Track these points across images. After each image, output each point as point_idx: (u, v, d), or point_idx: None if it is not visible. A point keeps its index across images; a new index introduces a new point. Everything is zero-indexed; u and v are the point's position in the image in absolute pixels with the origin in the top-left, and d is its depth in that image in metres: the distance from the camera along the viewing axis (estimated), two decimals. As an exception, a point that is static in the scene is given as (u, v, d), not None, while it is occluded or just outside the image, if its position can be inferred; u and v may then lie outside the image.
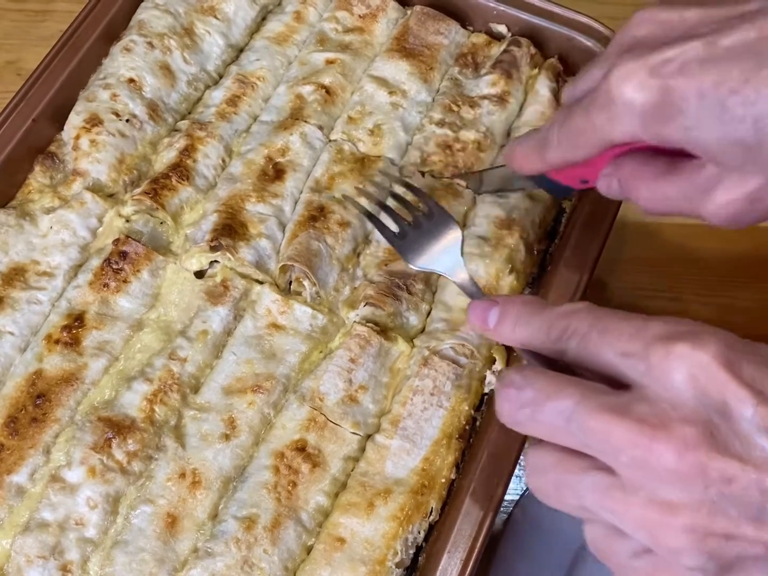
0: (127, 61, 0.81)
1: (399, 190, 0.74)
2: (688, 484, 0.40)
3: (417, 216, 0.69)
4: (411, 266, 0.66)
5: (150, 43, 0.82)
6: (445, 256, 0.65)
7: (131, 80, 0.80)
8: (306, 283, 0.73)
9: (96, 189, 0.76)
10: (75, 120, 0.78)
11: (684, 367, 0.41)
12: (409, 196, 0.72)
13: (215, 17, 0.85)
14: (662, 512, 0.41)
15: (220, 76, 0.85)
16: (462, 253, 0.65)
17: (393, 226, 0.69)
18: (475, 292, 0.61)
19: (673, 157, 0.52)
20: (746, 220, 0.52)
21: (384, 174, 0.77)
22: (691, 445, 0.40)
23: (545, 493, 0.46)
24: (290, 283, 0.74)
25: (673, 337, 0.42)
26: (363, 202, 0.75)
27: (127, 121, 0.78)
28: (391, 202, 0.73)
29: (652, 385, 0.42)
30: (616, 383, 0.44)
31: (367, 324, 0.70)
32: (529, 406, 0.45)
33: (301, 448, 0.66)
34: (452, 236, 0.66)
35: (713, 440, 0.40)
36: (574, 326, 0.46)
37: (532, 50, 0.86)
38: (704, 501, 0.40)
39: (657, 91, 0.47)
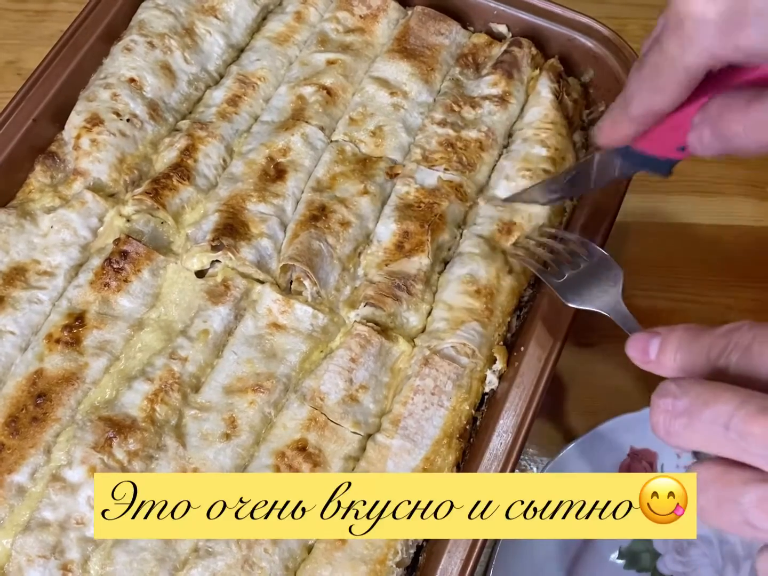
0: (127, 60, 0.81)
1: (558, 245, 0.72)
2: None
3: (578, 259, 0.68)
4: (570, 305, 0.65)
5: (151, 43, 0.82)
6: (605, 296, 0.64)
7: (132, 80, 0.80)
8: (307, 282, 0.73)
9: (97, 189, 0.76)
10: (76, 120, 0.78)
11: None
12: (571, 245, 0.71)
13: (216, 17, 0.85)
14: None
15: (221, 76, 0.85)
16: (622, 295, 0.64)
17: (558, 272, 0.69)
18: (635, 327, 0.60)
19: (758, 86, 0.47)
20: None
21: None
22: None
23: (707, 512, 0.44)
24: (291, 282, 0.74)
25: None
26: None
27: (128, 120, 0.78)
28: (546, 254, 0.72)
29: None
30: None
31: (368, 324, 0.70)
32: (686, 415, 0.44)
33: (301, 447, 0.66)
34: (613, 277, 0.65)
35: None
36: (735, 341, 0.45)
37: (533, 51, 0.86)
38: None
39: None
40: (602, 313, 0.63)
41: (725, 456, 0.42)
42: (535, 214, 0.77)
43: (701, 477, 0.44)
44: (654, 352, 0.50)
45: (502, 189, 0.79)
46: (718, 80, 0.49)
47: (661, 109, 0.52)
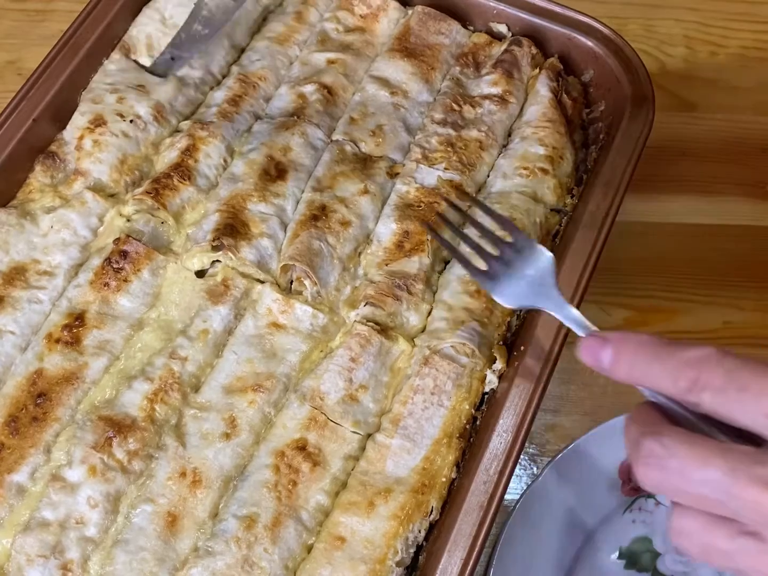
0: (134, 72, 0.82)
1: (476, 214, 0.70)
2: None
3: (504, 249, 0.64)
4: (506, 306, 0.62)
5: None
6: (540, 290, 0.60)
7: (140, 86, 0.80)
8: (307, 282, 0.73)
9: (97, 189, 0.76)
10: (79, 120, 0.78)
11: None
12: (487, 222, 0.68)
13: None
14: None
15: (223, 77, 0.85)
16: (557, 285, 0.60)
17: (481, 264, 0.64)
18: (583, 327, 0.56)
19: None
20: None
21: (460, 194, 0.75)
22: None
23: (693, 554, 0.46)
24: (291, 282, 0.74)
25: None
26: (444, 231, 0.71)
27: (131, 121, 0.78)
28: (471, 231, 0.69)
29: None
30: (751, 438, 0.43)
31: (368, 323, 0.70)
32: (675, 477, 0.44)
33: (301, 447, 0.66)
34: (544, 267, 0.61)
35: None
36: (705, 379, 0.44)
37: (533, 50, 0.86)
38: None
39: None
40: (546, 311, 0.60)
41: (715, 513, 0.44)
42: (533, 211, 0.77)
43: (688, 526, 0.45)
44: (606, 361, 0.50)
45: (499, 187, 0.79)
46: None
47: None
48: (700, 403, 0.45)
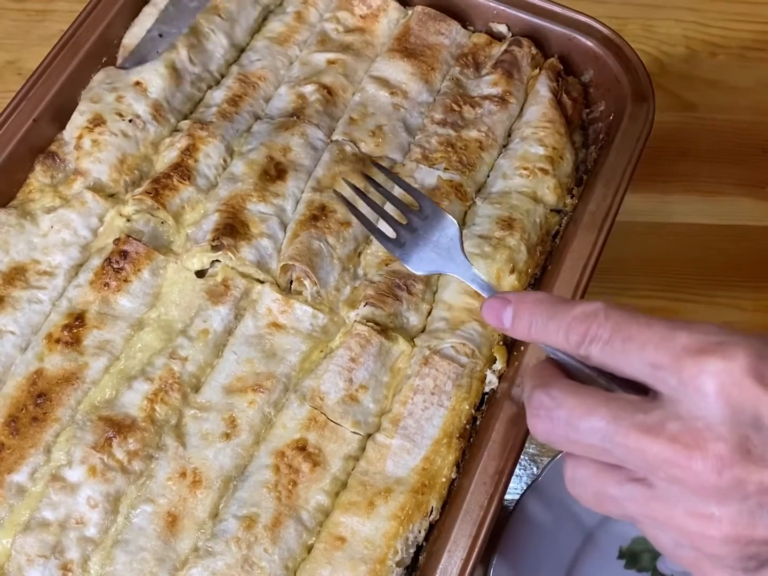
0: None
1: (387, 185, 0.73)
2: (726, 498, 0.41)
3: (411, 217, 0.67)
4: (416, 272, 0.65)
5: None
6: (447, 255, 0.63)
7: (137, 83, 0.80)
8: (307, 282, 0.73)
9: (97, 189, 0.76)
10: (78, 120, 0.78)
11: (715, 383, 0.41)
12: (399, 194, 0.71)
13: (219, 16, 0.85)
14: (703, 524, 0.42)
15: (222, 76, 0.85)
16: (463, 249, 0.64)
17: (390, 232, 0.68)
18: (486, 288, 0.60)
19: None
20: None
21: (377, 168, 0.76)
22: (727, 463, 0.40)
23: (587, 503, 0.47)
24: (291, 282, 0.74)
25: (703, 350, 0.42)
26: (361, 205, 0.73)
27: (130, 121, 0.78)
28: (387, 207, 0.72)
29: (684, 400, 0.42)
30: (643, 389, 0.44)
31: (368, 323, 0.70)
32: (562, 427, 0.46)
33: (301, 447, 0.66)
34: (450, 233, 0.64)
35: (749, 454, 0.40)
36: (593, 332, 0.46)
37: (533, 50, 0.86)
38: (743, 512, 0.41)
39: None
40: (451, 275, 0.63)
41: (604, 461, 0.45)
42: (533, 211, 0.77)
43: (580, 473, 0.47)
44: (508, 320, 0.52)
45: (499, 187, 0.79)
46: None
47: None
48: (590, 356, 0.46)
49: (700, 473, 0.40)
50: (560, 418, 0.46)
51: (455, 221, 0.65)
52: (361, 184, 0.75)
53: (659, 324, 0.44)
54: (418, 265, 0.65)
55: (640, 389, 0.45)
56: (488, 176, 0.81)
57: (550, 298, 0.50)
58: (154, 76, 0.80)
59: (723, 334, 0.43)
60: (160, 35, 0.82)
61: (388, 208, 0.72)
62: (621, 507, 0.45)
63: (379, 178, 0.76)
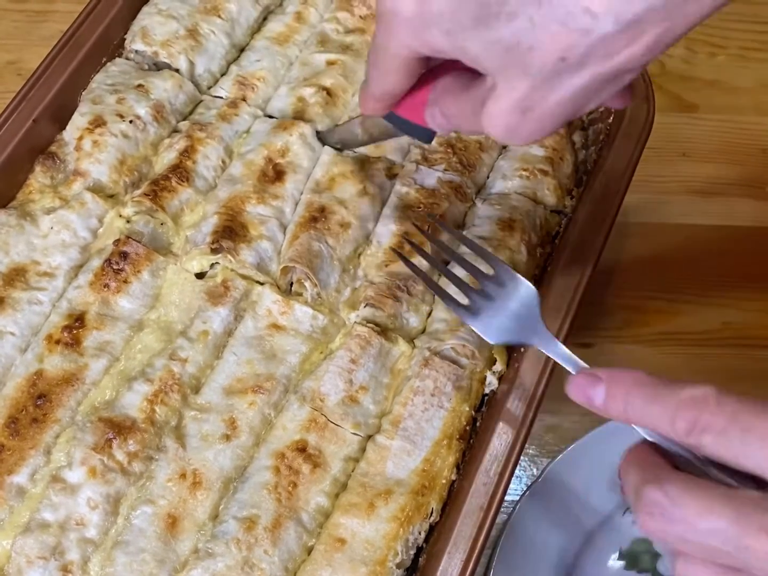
0: (133, 73, 0.81)
1: (447, 241, 0.69)
2: None
3: (485, 282, 0.62)
4: (492, 342, 0.61)
5: (155, 53, 0.83)
6: (526, 324, 0.59)
7: (139, 86, 0.80)
8: (307, 284, 0.73)
9: (96, 190, 0.76)
10: (79, 121, 0.78)
11: None
12: (460, 250, 0.68)
13: (219, 17, 0.85)
14: None
15: (222, 75, 0.85)
16: (543, 319, 0.59)
17: (463, 298, 0.63)
18: (572, 363, 0.55)
19: (475, 73, 0.49)
20: (524, 134, 0.47)
21: (431, 221, 0.73)
22: None
23: None
24: (291, 284, 0.74)
25: None
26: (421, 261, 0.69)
27: (131, 122, 0.78)
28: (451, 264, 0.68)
29: None
30: (761, 481, 0.42)
31: (368, 324, 0.70)
32: (679, 527, 0.42)
33: (301, 448, 0.66)
34: (529, 301, 0.60)
35: None
36: (706, 420, 0.43)
37: (533, 51, 0.86)
38: None
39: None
40: (534, 346, 0.58)
41: (723, 564, 0.42)
42: (533, 212, 0.77)
43: (694, 575, 0.44)
44: (599, 399, 0.48)
45: (499, 188, 0.79)
46: (456, 63, 0.50)
47: (392, 90, 0.54)
48: (700, 446, 0.43)
49: None
50: (677, 518, 0.42)
51: (534, 288, 0.61)
52: (420, 240, 0.71)
53: None
54: (494, 334, 0.60)
55: (750, 480, 0.43)
56: (488, 177, 0.81)
57: (650, 378, 0.47)
58: (156, 79, 0.80)
59: None
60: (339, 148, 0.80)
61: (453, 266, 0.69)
62: None
63: (427, 228, 0.73)
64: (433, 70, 0.53)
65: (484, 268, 0.63)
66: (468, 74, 0.50)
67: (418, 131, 0.59)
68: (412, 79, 0.53)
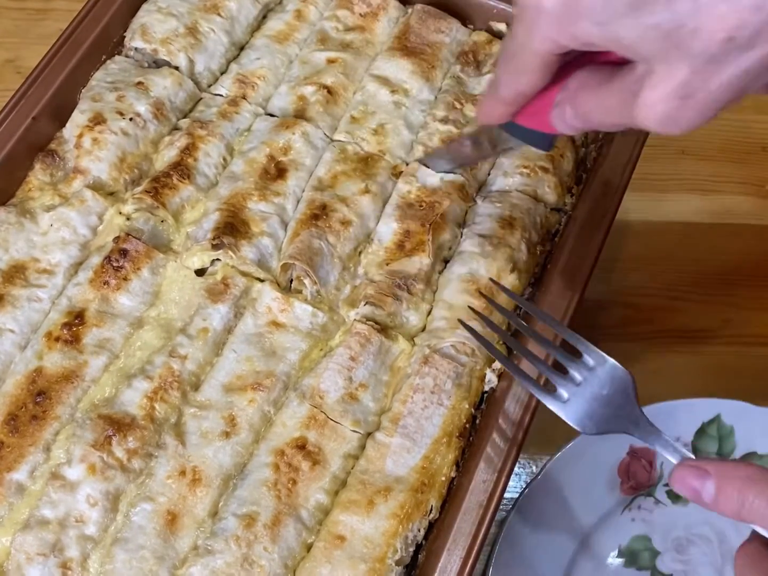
0: (133, 71, 0.81)
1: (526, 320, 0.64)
2: None
3: (573, 366, 0.58)
4: (584, 433, 0.57)
5: (155, 50, 0.83)
6: (622, 413, 0.55)
7: (139, 83, 0.80)
8: (307, 281, 0.73)
9: (96, 187, 0.76)
10: (79, 118, 0.78)
11: None
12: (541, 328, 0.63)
13: (219, 15, 0.85)
14: None
15: (222, 74, 0.85)
16: (640, 406, 0.55)
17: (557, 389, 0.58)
18: (677, 453, 0.52)
19: (615, 65, 0.48)
20: (683, 122, 0.45)
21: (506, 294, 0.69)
22: None
23: None
24: (291, 281, 0.74)
25: None
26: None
27: (131, 119, 0.78)
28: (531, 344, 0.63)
29: None
30: None
31: (368, 322, 0.70)
32: None
33: (301, 445, 0.66)
34: (624, 387, 0.56)
35: None
36: None
37: (533, 49, 0.86)
38: None
39: None
40: (626, 434, 0.55)
41: None
42: (533, 210, 0.77)
43: None
44: (708, 495, 0.46)
45: (500, 185, 0.79)
46: (587, 59, 0.50)
47: (525, 90, 0.52)
48: None
49: None
50: None
51: (629, 373, 0.56)
52: (488, 312, 0.67)
53: None
54: (588, 424, 0.56)
55: None
56: (489, 174, 0.81)
57: (763, 474, 0.45)
58: (156, 77, 0.80)
59: None
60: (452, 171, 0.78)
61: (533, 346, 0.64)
62: None
63: (499, 298, 0.69)
64: (557, 71, 0.51)
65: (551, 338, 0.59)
66: (607, 67, 0.48)
67: (537, 139, 0.58)
68: (547, 77, 0.51)
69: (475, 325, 0.67)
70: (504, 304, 0.70)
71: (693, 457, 0.52)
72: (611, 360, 0.57)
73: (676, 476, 0.49)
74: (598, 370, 0.57)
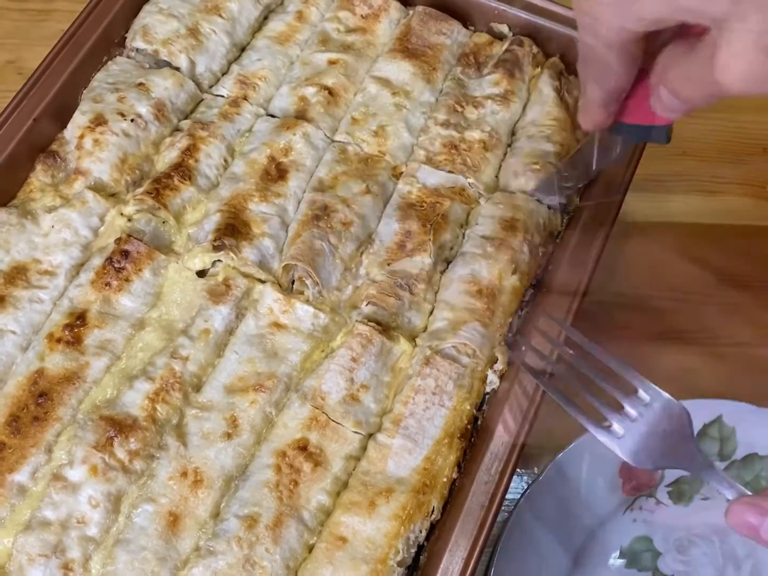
0: (134, 71, 0.81)
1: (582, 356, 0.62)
2: None
3: (629, 402, 0.57)
4: (638, 467, 0.56)
5: (156, 51, 0.83)
6: (679, 449, 0.55)
7: (140, 84, 0.80)
8: (308, 282, 0.73)
9: (98, 188, 0.76)
10: (80, 119, 0.78)
11: None
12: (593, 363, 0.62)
13: (220, 16, 0.85)
14: None
15: (224, 74, 0.85)
16: (698, 443, 0.55)
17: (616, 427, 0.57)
18: (734, 490, 0.51)
19: (698, 36, 0.46)
20: None
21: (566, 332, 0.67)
22: None
23: None
24: (293, 282, 0.74)
25: None
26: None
27: (132, 120, 0.78)
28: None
29: None
30: None
31: (369, 323, 0.70)
32: None
33: (302, 447, 0.66)
34: (681, 424, 0.55)
35: None
36: None
37: (534, 49, 0.86)
38: None
39: None
40: (688, 474, 0.55)
41: None
42: (535, 210, 0.77)
43: None
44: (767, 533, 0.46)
45: (514, 187, 0.79)
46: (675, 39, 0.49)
47: (617, 84, 0.52)
48: None
49: None
50: None
51: (686, 409, 0.56)
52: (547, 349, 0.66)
53: None
54: (644, 460, 0.56)
55: None
56: (496, 176, 0.81)
57: None
58: (157, 77, 0.80)
59: None
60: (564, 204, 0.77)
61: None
62: None
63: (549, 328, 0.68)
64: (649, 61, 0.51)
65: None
66: (685, 41, 0.48)
67: (651, 132, 0.57)
68: (632, 68, 0.50)
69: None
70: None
71: (749, 493, 0.51)
72: (666, 395, 0.57)
73: (733, 512, 0.48)
74: (654, 406, 0.57)
